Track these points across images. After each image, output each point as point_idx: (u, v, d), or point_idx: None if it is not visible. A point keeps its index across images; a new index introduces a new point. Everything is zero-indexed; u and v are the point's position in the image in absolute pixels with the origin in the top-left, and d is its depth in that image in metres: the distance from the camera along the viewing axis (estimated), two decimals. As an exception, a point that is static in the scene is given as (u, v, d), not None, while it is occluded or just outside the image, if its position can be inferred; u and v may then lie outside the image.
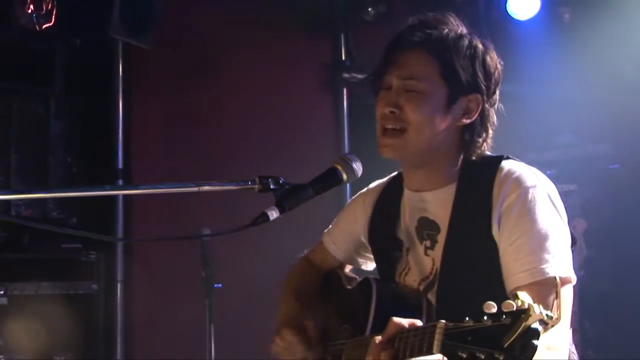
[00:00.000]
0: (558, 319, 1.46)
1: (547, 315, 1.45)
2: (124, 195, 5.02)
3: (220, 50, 5.54)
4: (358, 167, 2.16)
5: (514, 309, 1.45)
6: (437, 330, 1.57)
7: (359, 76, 5.77)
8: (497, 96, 2.25)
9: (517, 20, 5.79)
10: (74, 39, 4.85)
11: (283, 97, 5.70)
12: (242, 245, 4.83)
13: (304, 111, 5.78)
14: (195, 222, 4.66)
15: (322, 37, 5.95)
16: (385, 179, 2.52)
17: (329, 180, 2.13)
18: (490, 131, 2.24)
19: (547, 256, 2.02)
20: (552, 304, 1.47)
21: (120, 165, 5.11)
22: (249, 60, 5.60)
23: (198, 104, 5.45)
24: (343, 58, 5.93)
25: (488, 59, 2.21)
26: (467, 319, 1.51)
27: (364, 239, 2.52)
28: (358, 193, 2.59)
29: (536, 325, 1.45)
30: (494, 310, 1.46)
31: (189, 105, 5.43)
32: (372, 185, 2.55)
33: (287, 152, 5.46)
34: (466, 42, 2.19)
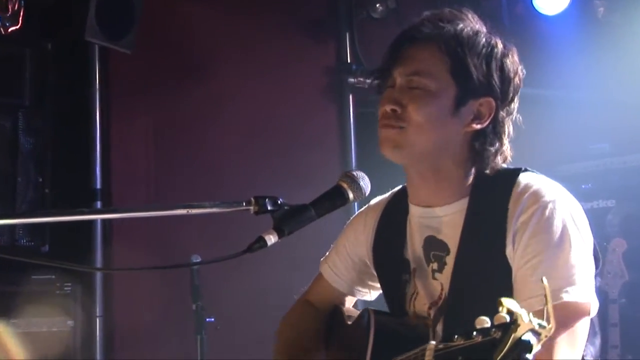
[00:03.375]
0: (552, 328, 1.46)
1: (539, 324, 1.45)
2: (103, 220, 5.01)
3: (211, 54, 5.56)
4: (366, 184, 2.17)
5: (507, 321, 1.45)
6: (427, 353, 1.60)
7: (367, 81, 5.78)
8: (515, 105, 2.26)
9: (544, 15, 5.80)
10: (45, 44, 4.86)
11: (281, 105, 5.71)
12: (236, 275, 4.84)
13: (305, 121, 5.79)
14: (184, 249, 4.66)
15: (325, 37, 5.97)
16: (387, 195, 2.54)
17: (334, 199, 2.14)
18: (505, 142, 2.25)
19: (563, 280, 2.03)
20: (544, 311, 1.47)
21: (99, 185, 5.12)
22: (243, 64, 5.62)
23: (186, 115, 5.46)
24: (348, 60, 5.94)
25: (507, 61, 2.23)
26: (456, 337, 1.53)
27: (368, 262, 2.53)
28: (357, 212, 2.61)
29: (527, 336, 1.45)
30: (487, 325, 1.48)
31: (176, 116, 5.44)
32: (372, 202, 2.56)
33: (286, 168, 5.47)
34: (483, 39, 2.21)
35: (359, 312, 2.53)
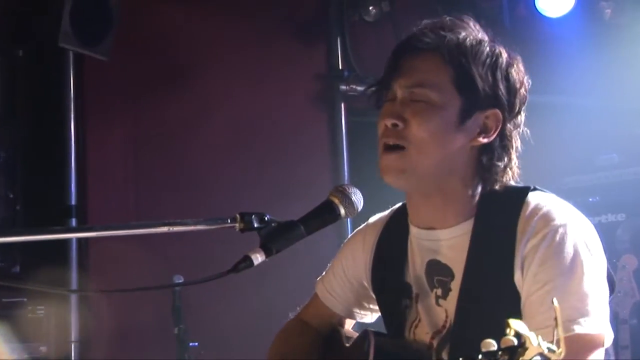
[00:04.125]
0: (562, 352, 1.46)
1: (548, 348, 1.45)
2: (78, 238, 4.99)
3: (194, 61, 5.56)
4: (358, 199, 2.16)
5: (514, 344, 1.45)
6: None
7: (359, 88, 5.79)
8: (522, 118, 2.27)
9: (547, 17, 5.82)
10: (16, 51, 4.85)
11: (269, 114, 5.71)
12: (221, 296, 4.82)
13: (294, 131, 5.79)
14: (165, 269, 4.65)
15: (315, 41, 5.98)
16: (387, 212, 2.53)
17: (324, 216, 2.14)
18: (513, 157, 2.25)
19: (575, 311, 2.02)
20: (553, 335, 1.48)
21: (74, 202, 5.10)
22: (228, 71, 5.61)
23: (167, 126, 5.45)
24: (340, 67, 5.94)
25: (512, 71, 2.24)
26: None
27: (366, 284, 2.52)
28: (355, 230, 2.60)
29: None
30: (493, 348, 1.47)
31: (156, 127, 5.43)
32: (371, 220, 2.55)
33: (274, 181, 5.46)
34: (487, 48, 2.23)
35: (357, 333, 2.54)
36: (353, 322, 2.69)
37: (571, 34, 5.81)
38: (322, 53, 6.00)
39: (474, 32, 2.26)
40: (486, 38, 2.26)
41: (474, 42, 2.22)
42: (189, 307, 4.55)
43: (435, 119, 2.17)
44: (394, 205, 2.52)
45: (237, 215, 2.08)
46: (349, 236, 2.62)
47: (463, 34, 2.24)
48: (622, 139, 5.72)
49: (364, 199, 2.18)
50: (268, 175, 5.52)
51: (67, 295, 5.04)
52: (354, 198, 2.15)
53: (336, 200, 2.14)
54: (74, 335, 5.00)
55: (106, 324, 5.09)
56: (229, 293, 4.79)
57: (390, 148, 2.19)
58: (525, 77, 2.27)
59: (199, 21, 5.56)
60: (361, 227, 2.58)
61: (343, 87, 5.89)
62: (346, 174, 5.85)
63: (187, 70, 5.53)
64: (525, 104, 2.28)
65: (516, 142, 2.26)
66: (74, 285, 5.05)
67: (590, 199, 5.31)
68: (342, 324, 2.66)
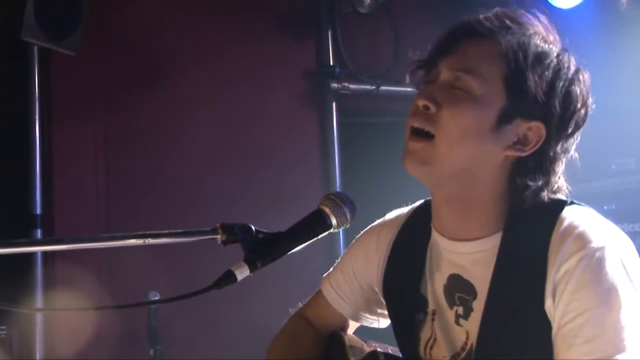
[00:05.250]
0: None
1: None
2: (44, 252, 4.98)
3: (172, 56, 5.55)
4: (351, 209, 2.15)
5: None
6: None
7: (352, 86, 5.78)
8: (575, 141, 2.24)
9: (558, 9, 5.83)
10: (-25, 46, 4.85)
11: (253, 116, 5.71)
12: (201, 315, 4.81)
13: (282, 133, 5.79)
14: (140, 286, 4.63)
15: (303, 35, 5.98)
16: (407, 210, 2.51)
17: (313, 227, 2.12)
18: (552, 180, 2.21)
19: (612, 346, 1.99)
20: None
21: (39, 211, 5.09)
22: (210, 68, 5.62)
23: (143, 128, 5.44)
24: (331, 62, 5.95)
25: (576, 87, 2.20)
26: None
27: (377, 289, 2.51)
28: (369, 227, 2.58)
29: None
30: None
31: (130, 129, 5.42)
32: (389, 216, 2.54)
33: (260, 189, 5.47)
34: (553, 53, 2.19)
35: (362, 342, 2.53)
36: (356, 326, 2.69)
37: (584, 27, 5.81)
38: (311, 48, 6.00)
39: (545, 31, 2.23)
40: (558, 44, 2.23)
41: (539, 42, 2.19)
42: (166, 327, 4.54)
43: (469, 113, 2.13)
44: (390, 213, 2.51)
45: (219, 227, 2.07)
46: (362, 232, 2.60)
47: (531, 31, 2.20)
48: (640, 142, 5.74)
49: (357, 208, 2.17)
50: (253, 181, 5.52)
51: (32, 315, 5.02)
52: (345, 208, 2.14)
53: (327, 210, 2.13)
54: (39, 357, 4.98)
55: (74, 346, 5.08)
56: (210, 312, 4.78)
57: (418, 134, 2.16)
58: (590, 100, 2.23)
59: (178, 12, 5.55)
60: (376, 223, 2.56)
61: (334, 85, 5.89)
62: (338, 180, 5.82)
63: (165, 66, 5.52)
64: (581, 128, 2.23)
65: (558, 165, 2.23)
66: (39, 303, 5.04)
67: (605, 207, 5.31)
68: (344, 329, 2.65)
